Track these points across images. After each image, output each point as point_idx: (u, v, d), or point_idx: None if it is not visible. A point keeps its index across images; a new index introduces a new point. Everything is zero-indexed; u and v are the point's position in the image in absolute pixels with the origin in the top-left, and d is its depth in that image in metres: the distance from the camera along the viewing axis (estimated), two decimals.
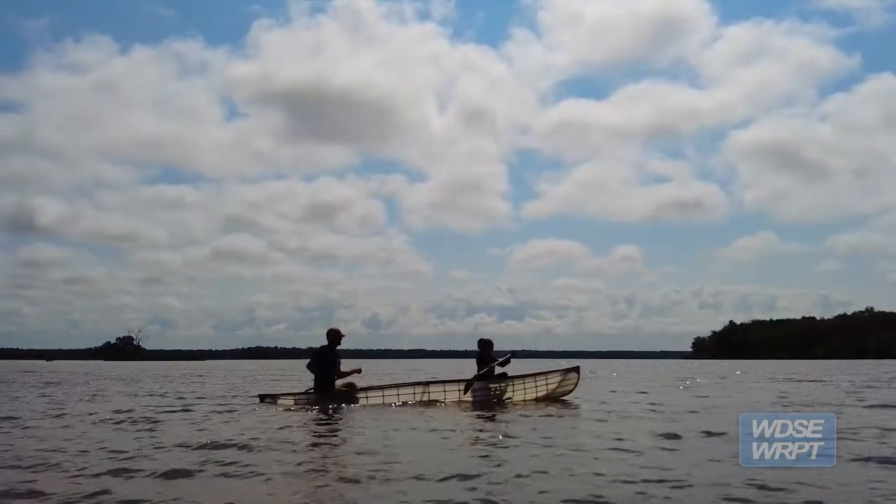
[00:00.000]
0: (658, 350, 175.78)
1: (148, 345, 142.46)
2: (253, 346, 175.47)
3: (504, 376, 11.88)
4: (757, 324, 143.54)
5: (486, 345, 12.05)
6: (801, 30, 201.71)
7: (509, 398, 11.60)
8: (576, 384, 12.28)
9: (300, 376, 18.09)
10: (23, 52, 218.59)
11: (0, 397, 14.07)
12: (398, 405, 10.91)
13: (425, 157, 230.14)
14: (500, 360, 11.92)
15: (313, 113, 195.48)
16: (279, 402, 11.07)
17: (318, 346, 11.14)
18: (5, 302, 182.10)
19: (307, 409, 10.26)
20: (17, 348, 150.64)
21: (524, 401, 11.55)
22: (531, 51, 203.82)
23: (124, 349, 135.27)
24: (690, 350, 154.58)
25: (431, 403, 11.07)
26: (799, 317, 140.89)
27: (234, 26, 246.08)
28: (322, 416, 9.51)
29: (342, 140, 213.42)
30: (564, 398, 11.98)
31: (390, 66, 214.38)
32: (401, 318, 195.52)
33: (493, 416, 9.47)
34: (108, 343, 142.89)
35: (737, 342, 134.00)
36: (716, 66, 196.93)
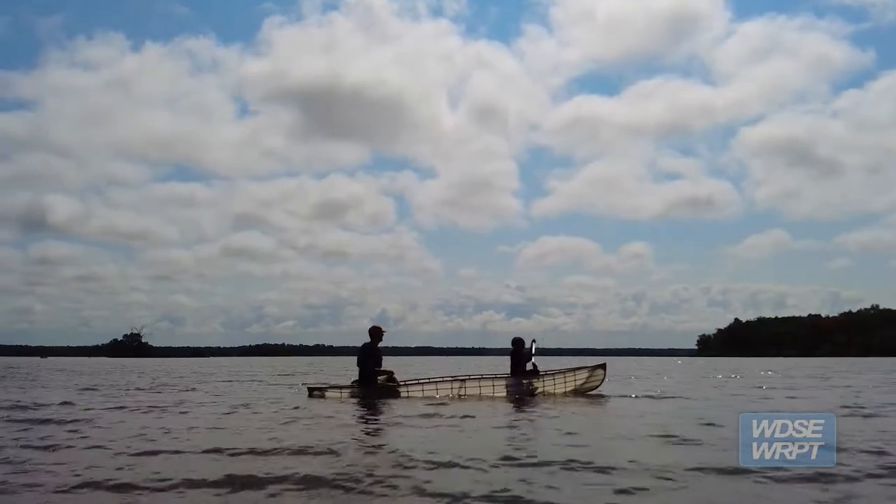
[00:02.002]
0: (665, 348, 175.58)
1: (157, 342, 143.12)
2: (261, 343, 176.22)
3: (535, 373, 12.54)
4: (762, 321, 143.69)
5: (518, 342, 12.74)
6: (816, 25, 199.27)
7: (540, 392, 12.27)
8: (602, 380, 12.97)
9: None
10: (35, 50, 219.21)
11: None
12: (437, 399, 11.57)
13: (436, 154, 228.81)
14: (529, 347, 12.62)
15: (325, 110, 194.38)
16: (327, 395, 11.76)
17: (362, 343, 11.81)
18: (17, 299, 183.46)
19: (356, 403, 10.95)
20: (26, 345, 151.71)
21: (553, 395, 12.22)
22: (543, 47, 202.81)
23: (130, 346, 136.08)
24: (696, 348, 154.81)
25: (468, 398, 11.74)
26: (809, 315, 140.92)
27: (247, 24, 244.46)
28: (369, 409, 10.17)
29: (354, 137, 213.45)
30: (591, 393, 12.65)
31: (403, 64, 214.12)
32: (409, 315, 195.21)
33: (528, 407, 10.13)
34: (115, 340, 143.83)
35: (742, 340, 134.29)
36: (729, 63, 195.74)
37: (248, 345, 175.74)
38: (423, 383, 11.98)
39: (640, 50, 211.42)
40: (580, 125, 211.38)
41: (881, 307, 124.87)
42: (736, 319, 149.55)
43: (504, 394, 12.07)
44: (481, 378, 12.29)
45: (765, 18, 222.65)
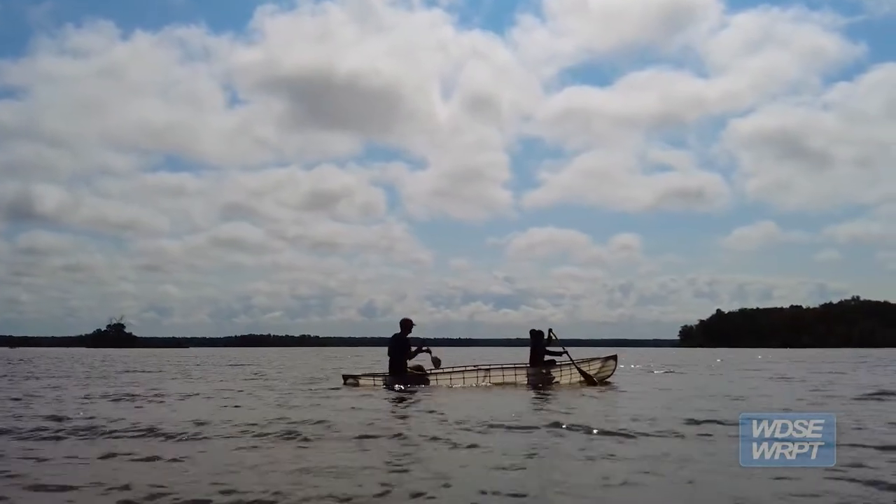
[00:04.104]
0: (650, 339, 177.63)
1: (143, 332, 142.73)
2: (247, 333, 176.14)
3: (552, 363, 13.35)
4: (743, 312, 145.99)
5: (535, 334, 13.52)
6: (809, 17, 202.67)
7: (557, 381, 13.08)
8: (613, 370, 13.82)
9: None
10: (24, 37, 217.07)
11: None
12: (463, 386, 12.34)
13: (428, 145, 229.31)
14: (557, 350, 13.33)
15: (317, 100, 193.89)
16: (361, 382, 12.49)
17: (393, 334, 12.50)
18: (4, 289, 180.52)
19: (388, 389, 11.68)
20: (11, 335, 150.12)
21: (570, 384, 13.02)
22: (537, 37, 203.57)
23: (113, 336, 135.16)
24: (678, 339, 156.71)
25: (492, 385, 12.53)
26: (791, 306, 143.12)
27: (238, 12, 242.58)
28: (402, 395, 10.89)
29: (346, 128, 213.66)
30: (604, 382, 13.48)
31: (396, 54, 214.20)
32: (397, 306, 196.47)
33: (547, 393, 10.92)
34: (99, 330, 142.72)
35: (724, 331, 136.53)
36: (722, 54, 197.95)
37: (233, 335, 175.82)
38: (449, 372, 12.74)
39: (634, 41, 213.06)
40: (572, 116, 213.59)
41: (861, 298, 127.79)
42: (718, 311, 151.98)
43: (525, 382, 12.86)
44: (504, 367, 13.07)
45: (758, 10, 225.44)
